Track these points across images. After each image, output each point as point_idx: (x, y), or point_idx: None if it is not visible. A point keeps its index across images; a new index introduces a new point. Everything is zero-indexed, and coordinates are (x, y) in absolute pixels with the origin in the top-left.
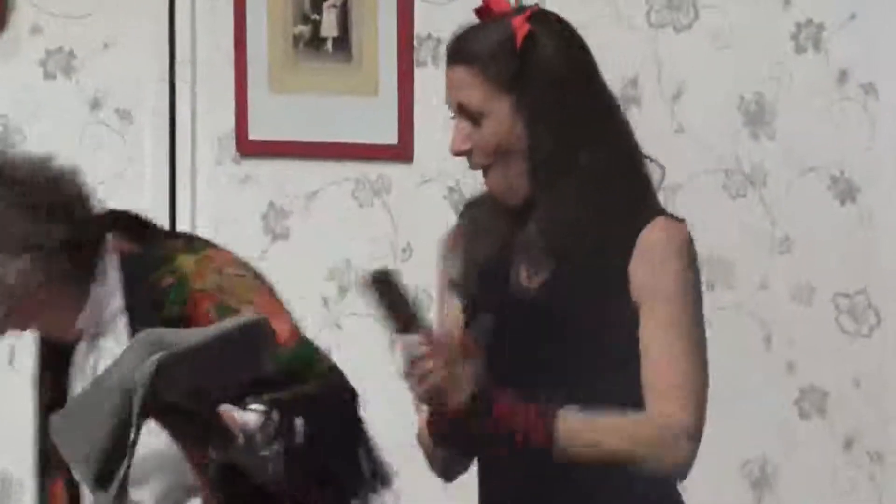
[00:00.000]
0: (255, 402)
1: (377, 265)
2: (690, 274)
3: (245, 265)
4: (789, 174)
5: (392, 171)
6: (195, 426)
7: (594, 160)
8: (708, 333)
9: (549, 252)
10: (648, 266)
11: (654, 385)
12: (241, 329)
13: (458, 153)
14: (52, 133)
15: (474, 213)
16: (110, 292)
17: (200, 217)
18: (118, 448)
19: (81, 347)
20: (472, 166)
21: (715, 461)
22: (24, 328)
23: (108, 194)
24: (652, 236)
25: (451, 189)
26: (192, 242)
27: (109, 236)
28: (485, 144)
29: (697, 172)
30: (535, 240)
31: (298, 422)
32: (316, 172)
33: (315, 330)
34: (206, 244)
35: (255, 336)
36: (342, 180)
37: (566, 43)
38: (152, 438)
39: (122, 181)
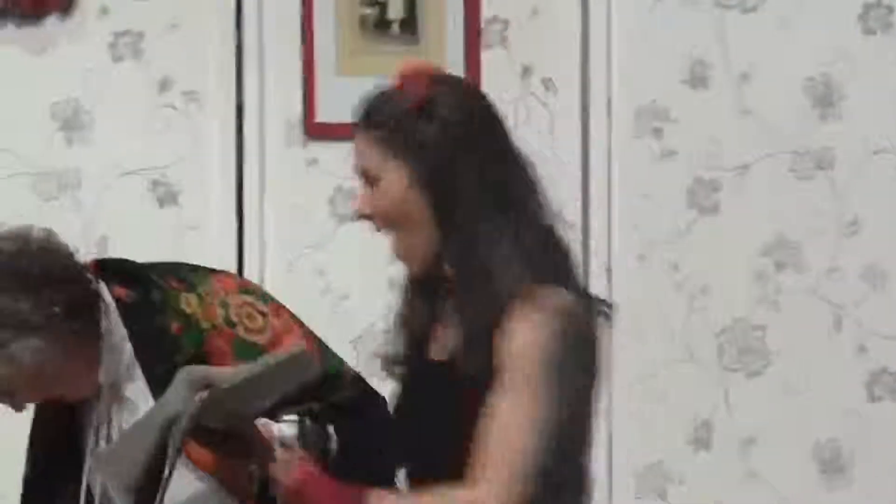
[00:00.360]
0: (288, 415)
1: None
2: (552, 350)
3: (248, 286)
4: (857, 156)
5: None
6: (235, 444)
7: (494, 227)
8: (778, 316)
9: (457, 324)
10: (508, 337)
11: (476, 463)
12: (286, 363)
13: (360, 217)
14: (119, 115)
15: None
16: (120, 344)
17: (267, 200)
18: (156, 480)
19: (103, 398)
20: (377, 231)
21: (786, 444)
22: (45, 398)
23: (176, 177)
24: (519, 305)
25: None
26: (188, 276)
27: (104, 287)
28: (381, 210)
29: (765, 155)
30: (448, 312)
31: (331, 430)
32: None
33: (383, 312)
34: (202, 274)
35: (299, 368)
36: None
37: (466, 109)
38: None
39: (189, 164)
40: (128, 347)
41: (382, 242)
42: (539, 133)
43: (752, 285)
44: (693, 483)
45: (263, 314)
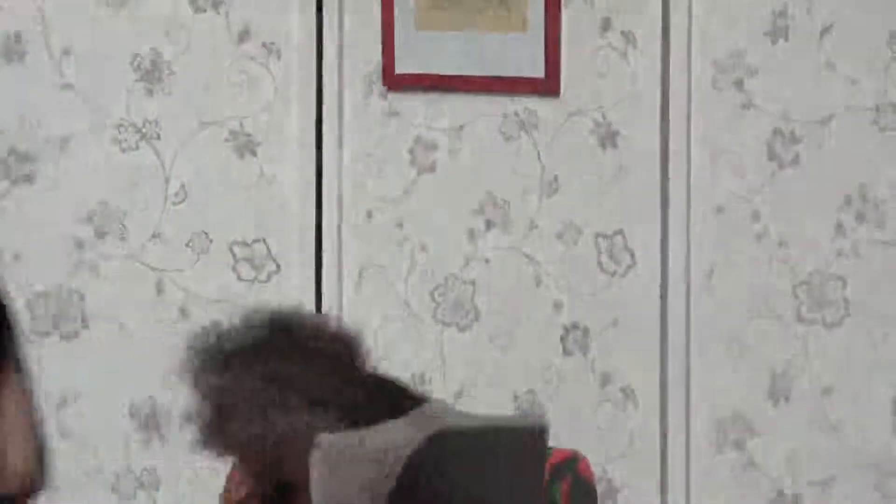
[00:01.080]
0: None
1: (524, 198)
2: None
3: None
4: None
5: (539, 105)
6: None
7: None
8: (857, 268)
9: None
10: None
11: None
12: (523, 430)
13: None
14: (200, 66)
15: None
16: None
17: (347, 151)
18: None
19: None
20: None
21: (864, 395)
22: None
23: (255, 129)
24: None
25: (597, 122)
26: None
27: None
28: None
29: (846, 108)
30: None
31: None
32: (463, 106)
33: (461, 263)
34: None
35: (533, 443)
36: (489, 114)
37: None
38: None
39: (268, 116)
40: None
41: (462, 191)
42: (619, 85)
43: (832, 237)
44: (771, 434)
45: None
